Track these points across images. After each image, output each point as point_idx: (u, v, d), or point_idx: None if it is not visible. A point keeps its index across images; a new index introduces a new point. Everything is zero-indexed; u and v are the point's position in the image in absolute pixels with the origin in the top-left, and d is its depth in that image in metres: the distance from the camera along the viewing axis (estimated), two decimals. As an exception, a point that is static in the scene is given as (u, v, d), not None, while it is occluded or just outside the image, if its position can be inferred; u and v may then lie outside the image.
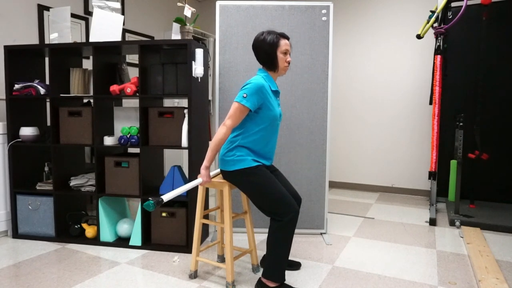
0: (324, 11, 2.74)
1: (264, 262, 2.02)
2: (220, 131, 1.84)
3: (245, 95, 1.83)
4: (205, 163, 1.89)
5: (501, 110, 3.68)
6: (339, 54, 4.61)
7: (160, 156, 2.85)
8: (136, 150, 3.60)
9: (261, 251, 2.53)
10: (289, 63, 1.97)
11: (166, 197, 1.80)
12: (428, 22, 3.38)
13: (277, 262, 1.89)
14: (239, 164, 1.89)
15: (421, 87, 4.19)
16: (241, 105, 1.84)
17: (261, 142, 1.94)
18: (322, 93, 2.78)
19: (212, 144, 1.85)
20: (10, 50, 2.69)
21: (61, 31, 2.71)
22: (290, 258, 2.42)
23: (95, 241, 2.65)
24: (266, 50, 1.92)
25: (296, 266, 2.25)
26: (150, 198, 1.67)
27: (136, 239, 2.58)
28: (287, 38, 1.96)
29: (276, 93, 2.00)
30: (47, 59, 3.23)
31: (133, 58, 4.27)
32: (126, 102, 4.07)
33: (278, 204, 1.85)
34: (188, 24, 2.52)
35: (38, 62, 2.96)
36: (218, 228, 2.30)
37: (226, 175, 1.96)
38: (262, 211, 1.93)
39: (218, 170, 2.09)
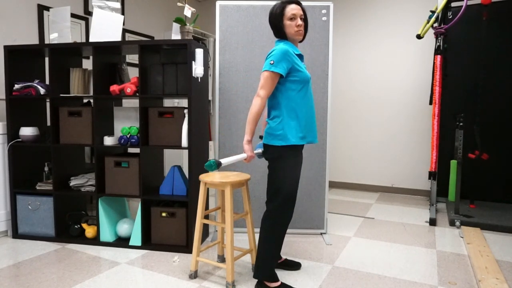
0: (324, 11, 2.74)
1: (258, 263, 2.01)
2: (255, 102, 1.82)
3: (272, 62, 1.81)
4: (246, 137, 1.86)
5: (501, 110, 3.68)
6: (339, 54, 4.61)
7: (160, 156, 2.85)
8: (136, 150, 3.60)
9: (261, 251, 2.52)
10: (300, 27, 1.88)
11: (224, 161, 1.83)
12: (428, 22, 3.38)
13: (271, 262, 1.91)
14: (286, 140, 1.85)
15: (421, 87, 4.19)
16: (271, 72, 1.81)
17: (303, 104, 1.89)
18: (322, 93, 2.78)
19: (249, 117, 1.83)
20: (10, 50, 2.68)
21: (61, 31, 2.71)
22: (290, 258, 2.42)
23: (95, 241, 2.65)
24: (273, 22, 1.90)
25: (296, 266, 2.25)
26: (210, 159, 1.74)
27: (136, 239, 2.57)
28: (295, 2, 1.89)
29: (300, 56, 1.96)
30: (47, 59, 3.23)
31: (133, 58, 4.27)
32: (126, 102, 4.07)
33: (286, 195, 1.87)
34: (188, 24, 2.52)
35: (38, 62, 2.96)
36: (218, 228, 2.30)
37: (268, 149, 1.91)
38: (269, 192, 1.92)
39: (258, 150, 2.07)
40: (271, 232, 1.90)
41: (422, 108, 4.20)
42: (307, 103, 1.92)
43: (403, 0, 4.21)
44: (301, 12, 1.89)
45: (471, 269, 2.27)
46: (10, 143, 2.71)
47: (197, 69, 2.41)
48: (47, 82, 3.12)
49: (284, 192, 1.88)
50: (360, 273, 2.20)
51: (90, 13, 3.76)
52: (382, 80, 4.38)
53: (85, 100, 3.25)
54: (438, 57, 3.34)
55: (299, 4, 1.90)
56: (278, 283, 1.93)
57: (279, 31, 1.91)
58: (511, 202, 3.68)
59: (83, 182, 2.72)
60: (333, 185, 4.77)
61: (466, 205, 3.61)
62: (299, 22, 1.87)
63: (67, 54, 2.79)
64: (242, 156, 1.91)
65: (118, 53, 2.80)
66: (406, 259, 2.42)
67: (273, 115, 1.91)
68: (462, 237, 2.87)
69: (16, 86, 2.70)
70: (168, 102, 4.56)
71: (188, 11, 2.53)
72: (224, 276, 2.15)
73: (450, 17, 3.56)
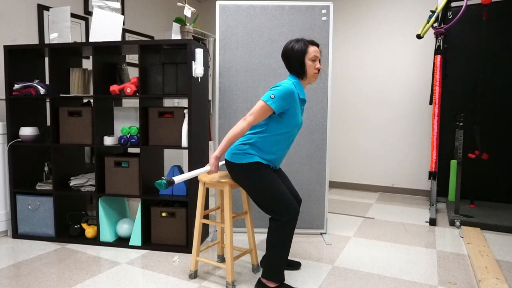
0: (324, 11, 2.74)
1: (264, 262, 2.02)
2: (240, 125, 1.82)
3: (272, 96, 1.82)
4: (216, 152, 1.87)
5: (501, 110, 3.68)
6: (339, 54, 4.61)
7: (160, 156, 2.85)
8: (136, 150, 3.60)
9: (261, 251, 2.53)
10: (318, 70, 1.95)
11: (177, 179, 1.80)
12: (428, 22, 3.38)
13: (276, 262, 1.89)
14: (246, 159, 1.88)
15: (421, 87, 4.19)
16: (267, 105, 1.82)
17: (277, 146, 1.93)
18: (322, 93, 2.78)
19: (228, 136, 1.83)
20: (10, 50, 2.68)
21: (61, 31, 2.71)
22: (290, 258, 2.42)
23: (95, 241, 2.65)
24: (295, 58, 1.91)
25: (296, 266, 2.25)
26: (162, 177, 1.72)
27: (136, 239, 2.57)
28: (316, 45, 1.94)
29: (302, 101, 1.99)
30: (47, 59, 3.23)
31: (133, 58, 4.27)
32: (126, 102, 4.07)
33: (278, 202, 1.85)
34: (188, 24, 2.52)
35: (38, 62, 2.96)
36: (218, 228, 2.30)
37: (230, 166, 1.94)
38: (262, 209, 1.93)
39: (223, 162, 2.08)
40: (277, 235, 1.86)
41: (422, 108, 4.20)
42: (284, 146, 1.96)
43: (403, 0, 4.21)
44: (320, 57, 1.96)
45: (471, 269, 2.27)
46: (10, 143, 2.71)
47: (197, 69, 2.41)
48: (47, 82, 3.12)
49: (275, 204, 1.87)
50: (360, 273, 2.20)
51: (90, 13, 3.76)
52: (382, 80, 4.38)
53: (85, 100, 3.25)
54: (438, 57, 3.34)
55: (318, 47, 1.95)
56: (277, 284, 1.93)
57: (300, 68, 1.92)
58: (511, 202, 3.68)
59: (83, 182, 2.72)
60: (333, 185, 4.77)
61: (466, 205, 3.61)
62: (318, 65, 1.94)
63: (67, 54, 2.79)
64: (205, 169, 1.93)
65: (118, 53, 2.80)
66: (406, 259, 2.42)
67: (246, 134, 1.94)
68: (462, 237, 2.87)
69: (16, 86, 2.70)
70: (168, 102, 4.56)
71: (188, 11, 2.53)
72: (224, 276, 2.15)
73: (450, 17, 3.56)
